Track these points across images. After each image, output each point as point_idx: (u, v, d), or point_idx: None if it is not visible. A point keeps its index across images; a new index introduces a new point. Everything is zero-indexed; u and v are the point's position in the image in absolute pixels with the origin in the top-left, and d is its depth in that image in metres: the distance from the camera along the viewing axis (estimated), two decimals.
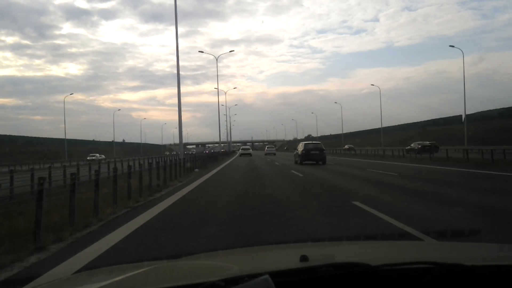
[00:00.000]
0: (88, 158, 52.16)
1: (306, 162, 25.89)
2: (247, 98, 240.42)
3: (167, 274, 1.79)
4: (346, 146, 65.43)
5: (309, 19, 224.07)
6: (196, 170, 21.91)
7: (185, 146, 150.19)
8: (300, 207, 8.35)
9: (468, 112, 57.43)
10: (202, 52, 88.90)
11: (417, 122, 72.55)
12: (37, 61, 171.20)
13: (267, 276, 1.19)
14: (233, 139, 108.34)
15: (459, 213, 7.28)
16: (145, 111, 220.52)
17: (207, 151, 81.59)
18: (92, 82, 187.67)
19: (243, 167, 26.86)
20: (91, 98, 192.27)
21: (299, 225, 6.42)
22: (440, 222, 6.36)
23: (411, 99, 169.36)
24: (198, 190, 12.39)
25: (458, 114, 61.55)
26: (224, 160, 39.50)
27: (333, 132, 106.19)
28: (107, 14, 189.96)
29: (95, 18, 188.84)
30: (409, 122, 76.07)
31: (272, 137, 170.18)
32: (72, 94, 76.11)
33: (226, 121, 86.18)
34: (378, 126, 78.59)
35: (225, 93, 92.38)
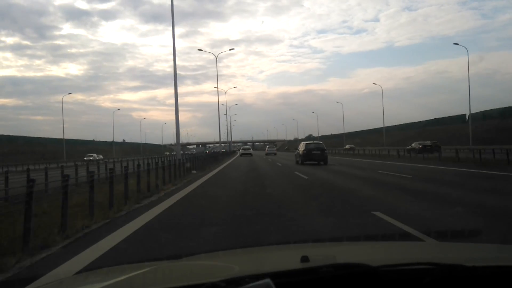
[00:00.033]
0: (85, 158, 50.49)
1: (307, 162, 25.20)
2: (248, 98, 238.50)
3: (167, 274, 1.77)
4: (347, 146, 64.34)
5: (309, 19, 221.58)
6: (194, 171, 20.40)
7: (186, 146, 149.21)
8: (311, 219, 6.89)
9: (469, 111, 56.52)
10: (201, 50, 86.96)
11: (418, 122, 71.28)
12: (37, 62, 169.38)
13: (268, 280, 1.17)
14: (233, 139, 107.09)
15: None
16: (145, 111, 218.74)
17: (207, 151, 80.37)
18: (92, 83, 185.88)
19: (244, 167, 26.03)
20: (91, 98, 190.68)
21: None
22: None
23: (411, 99, 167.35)
24: (191, 197, 10.89)
25: (458, 113, 60.84)
26: (223, 161, 37.97)
27: (334, 132, 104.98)
28: (107, 15, 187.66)
29: (95, 18, 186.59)
30: (409, 122, 74.81)
31: (273, 137, 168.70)
32: (70, 93, 74.25)
33: (226, 120, 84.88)
34: (378, 126, 78.10)
35: (225, 93, 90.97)
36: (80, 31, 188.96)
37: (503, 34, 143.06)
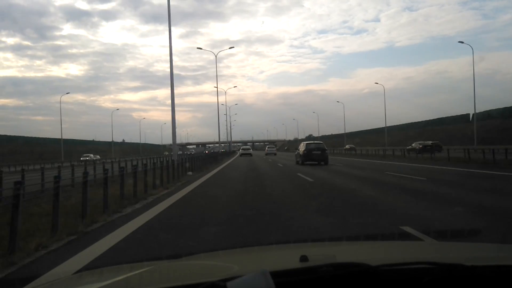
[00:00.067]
0: (81, 158, 48.75)
1: (307, 162, 24.53)
2: (248, 98, 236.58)
3: (167, 274, 1.71)
4: (347, 146, 63.21)
5: (309, 19, 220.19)
6: (190, 173, 18.94)
7: (185, 146, 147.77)
8: (326, 232, 5.46)
9: (470, 111, 55.27)
10: (200, 48, 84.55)
11: (418, 122, 69.87)
12: (38, 62, 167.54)
13: (266, 270, 1.16)
14: (233, 139, 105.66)
15: None
16: (145, 111, 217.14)
17: (206, 151, 79.04)
18: (92, 83, 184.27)
19: (243, 167, 24.95)
20: (92, 98, 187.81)
21: None
22: None
23: (412, 99, 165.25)
24: (182, 204, 9.45)
25: (458, 114, 59.53)
26: (222, 161, 36.50)
27: (334, 132, 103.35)
28: (108, 15, 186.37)
29: (95, 19, 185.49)
30: (409, 122, 73.40)
31: (273, 137, 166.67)
32: (68, 93, 72.51)
33: (226, 120, 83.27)
34: (378, 126, 76.84)
35: (225, 93, 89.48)
36: (81, 32, 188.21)
37: (504, 34, 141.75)
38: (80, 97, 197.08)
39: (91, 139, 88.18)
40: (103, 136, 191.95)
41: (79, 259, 4.51)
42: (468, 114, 54.07)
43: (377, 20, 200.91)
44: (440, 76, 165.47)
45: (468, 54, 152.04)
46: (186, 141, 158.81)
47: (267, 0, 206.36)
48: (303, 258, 1.44)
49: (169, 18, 20.76)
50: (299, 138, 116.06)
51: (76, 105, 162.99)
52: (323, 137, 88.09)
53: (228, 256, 2.21)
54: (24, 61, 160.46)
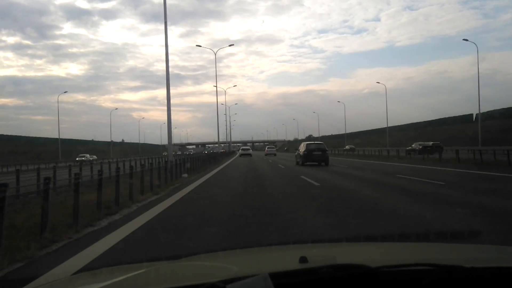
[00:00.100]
0: (77, 159, 47.11)
1: (308, 163, 23.92)
2: (248, 98, 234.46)
3: (167, 274, 1.70)
4: (347, 147, 62.07)
5: (310, 19, 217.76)
6: (185, 175, 17.45)
7: (185, 146, 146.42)
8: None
9: (470, 112, 53.99)
10: (199, 46, 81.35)
11: (419, 122, 68.49)
12: (38, 61, 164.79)
13: (266, 274, 1.15)
14: (233, 139, 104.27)
15: None
16: (146, 111, 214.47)
17: (205, 152, 77.78)
18: (93, 82, 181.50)
19: (242, 167, 23.94)
20: (92, 98, 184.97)
21: None
22: None
23: (412, 99, 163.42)
24: (168, 218, 8.00)
25: (458, 114, 58.31)
26: (221, 162, 35.05)
27: (334, 132, 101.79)
28: (108, 14, 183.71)
29: (95, 18, 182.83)
30: (410, 122, 71.98)
31: (273, 137, 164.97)
32: (66, 92, 70.52)
33: (226, 120, 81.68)
34: (378, 126, 75.53)
35: (225, 92, 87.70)
36: (81, 31, 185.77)
37: (504, 34, 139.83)
38: (80, 96, 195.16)
39: (90, 139, 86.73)
40: (104, 136, 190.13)
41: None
42: (471, 115, 52.69)
43: (377, 19, 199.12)
44: (441, 76, 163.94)
45: (468, 54, 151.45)
46: (186, 141, 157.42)
47: None
48: (303, 259, 1.43)
49: (165, 18, 19.35)
50: (299, 138, 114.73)
51: (76, 105, 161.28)
52: (323, 138, 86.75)
53: (228, 257, 2.16)
54: (24, 61, 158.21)
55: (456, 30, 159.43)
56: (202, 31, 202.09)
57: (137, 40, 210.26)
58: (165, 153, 79.69)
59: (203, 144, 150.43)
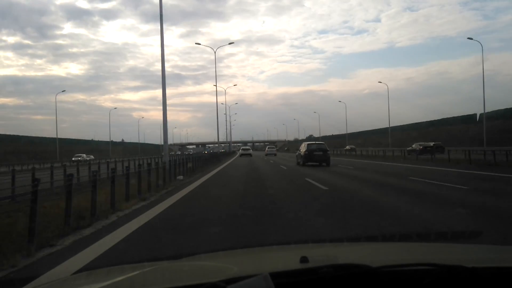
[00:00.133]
0: (73, 159, 45.99)
1: (309, 163, 23.52)
2: (248, 98, 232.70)
3: (167, 274, 1.69)
4: (348, 147, 61.08)
5: (310, 19, 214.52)
6: (180, 177, 16.25)
7: (185, 146, 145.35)
8: None
9: (470, 113, 52.85)
10: (199, 44, 79.41)
11: (420, 123, 67.29)
12: (38, 61, 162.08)
13: (266, 273, 1.15)
14: (233, 139, 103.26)
15: None
16: (146, 111, 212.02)
17: (205, 152, 76.73)
18: (93, 82, 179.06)
19: (242, 168, 23.12)
20: (92, 98, 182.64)
21: None
22: None
23: (412, 100, 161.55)
24: (150, 232, 6.85)
25: (459, 114, 57.17)
26: (220, 162, 33.81)
27: (334, 133, 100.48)
28: (108, 14, 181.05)
29: (96, 18, 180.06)
30: (411, 123, 70.73)
31: (273, 137, 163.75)
32: (64, 91, 69.41)
33: (226, 120, 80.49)
34: (378, 126, 74.50)
35: (225, 91, 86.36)
36: (81, 31, 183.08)
37: (505, 35, 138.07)
38: (80, 96, 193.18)
39: (90, 138, 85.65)
40: (104, 135, 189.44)
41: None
42: (474, 115, 51.55)
43: (377, 20, 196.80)
44: (441, 76, 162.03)
45: (468, 55, 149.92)
46: (186, 141, 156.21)
47: None
48: (304, 259, 1.42)
49: (161, 18, 18.25)
50: (300, 138, 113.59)
51: (76, 105, 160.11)
52: (324, 138, 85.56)
53: (229, 257, 2.14)
54: (25, 60, 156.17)
55: (457, 31, 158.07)
56: (202, 31, 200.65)
57: (137, 40, 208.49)
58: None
59: (203, 144, 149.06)
